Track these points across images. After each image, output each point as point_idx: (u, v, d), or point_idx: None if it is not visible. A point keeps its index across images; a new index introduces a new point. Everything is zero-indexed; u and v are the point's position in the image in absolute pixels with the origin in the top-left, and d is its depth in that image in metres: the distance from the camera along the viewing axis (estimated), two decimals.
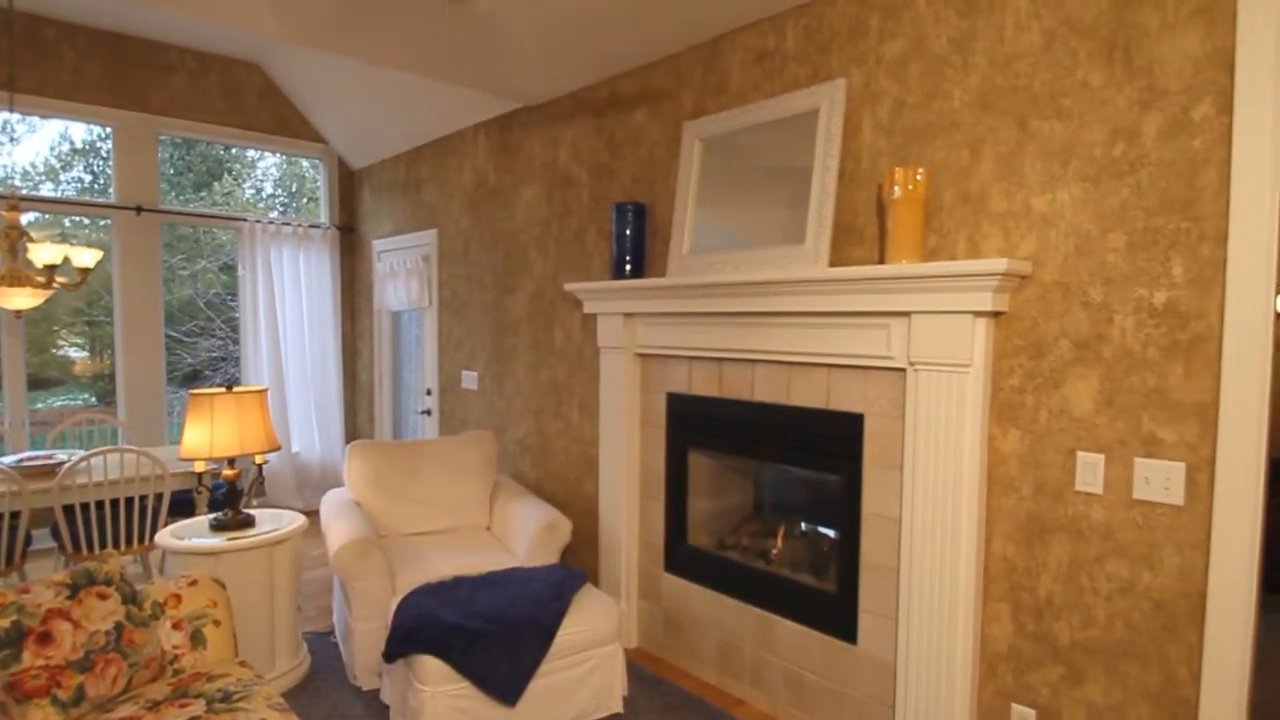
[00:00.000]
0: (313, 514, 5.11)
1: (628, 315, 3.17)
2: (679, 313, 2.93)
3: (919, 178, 2.18)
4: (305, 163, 6.28)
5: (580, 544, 3.68)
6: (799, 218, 2.56)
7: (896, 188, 2.20)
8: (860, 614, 2.44)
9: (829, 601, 2.56)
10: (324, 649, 3.22)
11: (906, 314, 2.20)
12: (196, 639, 2.18)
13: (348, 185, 5.82)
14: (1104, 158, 1.94)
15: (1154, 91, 1.86)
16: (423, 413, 5.05)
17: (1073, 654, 2.03)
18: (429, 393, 4.96)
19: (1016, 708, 2.14)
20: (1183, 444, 1.83)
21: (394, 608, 2.56)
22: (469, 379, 4.54)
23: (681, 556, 3.08)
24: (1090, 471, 1.97)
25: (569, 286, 3.32)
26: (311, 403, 5.54)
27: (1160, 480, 1.86)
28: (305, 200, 6.85)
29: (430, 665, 2.34)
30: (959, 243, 2.23)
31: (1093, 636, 1.99)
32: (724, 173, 2.86)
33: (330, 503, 3.34)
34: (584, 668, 2.58)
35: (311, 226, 5.56)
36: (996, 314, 2.12)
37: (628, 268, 3.17)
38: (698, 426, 2.99)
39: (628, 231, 3.16)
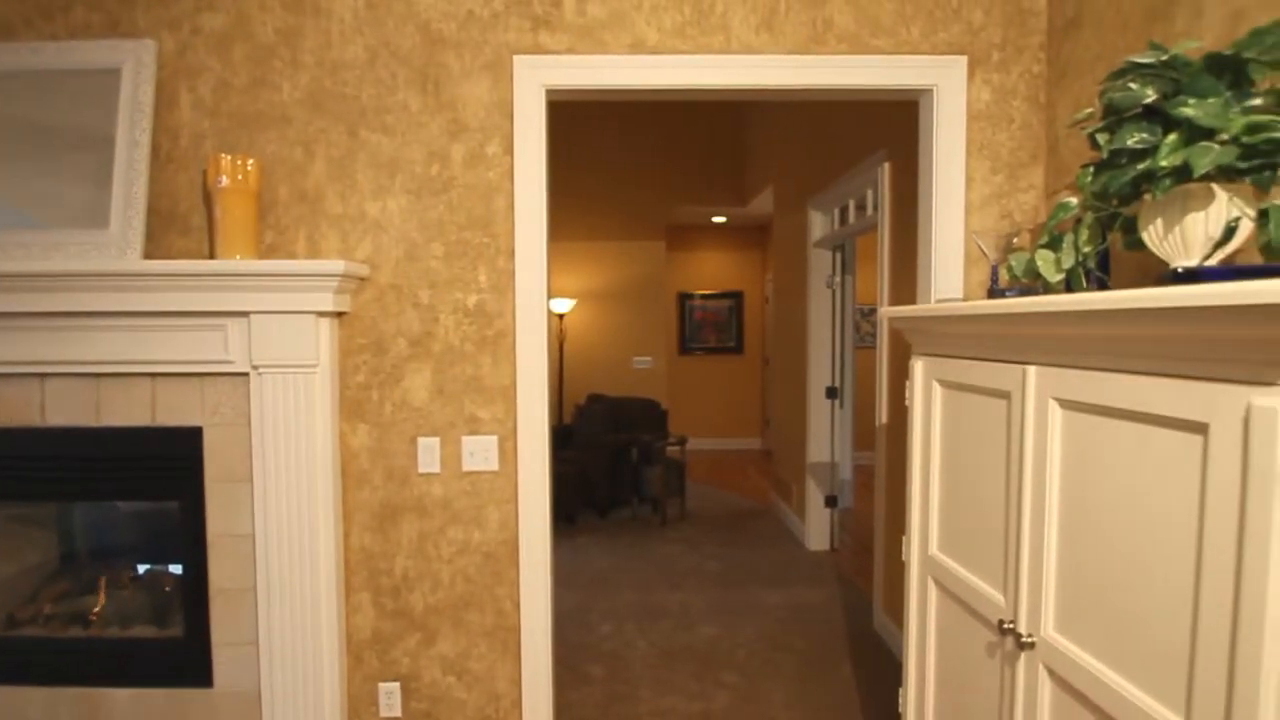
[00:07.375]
0: None
1: None
2: None
3: (250, 168, 2.05)
4: None
5: None
6: (103, 198, 2.09)
7: (224, 176, 2.01)
8: (215, 650, 2.18)
9: (175, 648, 2.20)
10: None
11: (245, 314, 2.05)
12: None
13: None
14: (424, 175, 2.18)
15: (459, 125, 2.18)
16: None
17: (427, 619, 2.25)
18: None
19: (382, 685, 2.25)
20: (494, 420, 2.22)
21: None
22: None
23: None
24: (429, 453, 2.22)
25: None
26: None
27: (482, 452, 2.22)
28: None
29: None
30: (299, 241, 2.19)
31: (441, 598, 2.25)
32: None
33: None
34: None
35: None
36: (340, 314, 2.17)
37: None
38: None
39: None
